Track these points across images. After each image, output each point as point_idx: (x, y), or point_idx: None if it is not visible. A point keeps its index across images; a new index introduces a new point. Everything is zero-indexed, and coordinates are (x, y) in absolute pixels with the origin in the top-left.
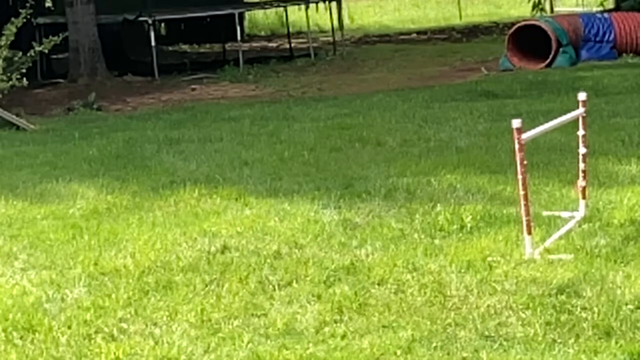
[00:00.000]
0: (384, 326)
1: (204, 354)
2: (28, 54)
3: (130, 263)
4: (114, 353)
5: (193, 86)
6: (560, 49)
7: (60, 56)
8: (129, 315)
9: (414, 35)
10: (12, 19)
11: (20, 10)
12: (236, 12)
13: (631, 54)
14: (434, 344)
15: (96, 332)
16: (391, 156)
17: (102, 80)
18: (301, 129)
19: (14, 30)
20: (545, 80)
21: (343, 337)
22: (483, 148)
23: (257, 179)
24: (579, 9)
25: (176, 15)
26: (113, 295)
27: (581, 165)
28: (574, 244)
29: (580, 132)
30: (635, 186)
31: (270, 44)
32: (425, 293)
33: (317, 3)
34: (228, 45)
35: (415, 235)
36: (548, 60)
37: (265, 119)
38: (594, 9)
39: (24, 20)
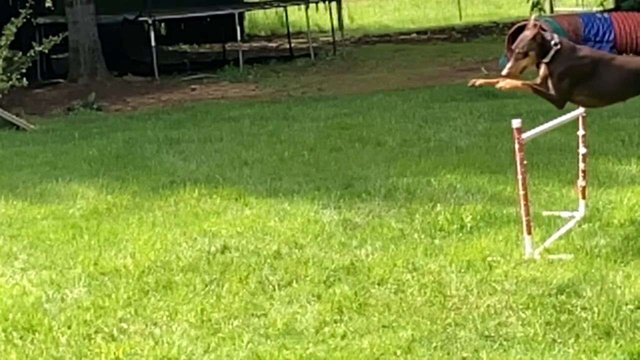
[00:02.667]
0: (384, 326)
1: (204, 354)
2: (28, 54)
3: (130, 263)
4: (114, 353)
5: (193, 86)
6: None
7: (60, 56)
8: (129, 315)
9: (414, 35)
10: (12, 19)
11: (20, 10)
12: (236, 12)
13: (631, 54)
14: (434, 344)
15: (96, 332)
16: (391, 156)
17: (102, 80)
18: (301, 129)
19: (14, 30)
20: None
21: (343, 337)
22: (483, 148)
23: (257, 179)
24: (579, 9)
25: (176, 15)
26: (113, 295)
27: (581, 165)
28: (574, 244)
29: (580, 132)
30: (635, 186)
31: (270, 44)
32: (425, 293)
33: (317, 3)
34: (228, 45)
35: (415, 235)
36: None
37: (265, 119)
38: (594, 9)
39: (24, 20)
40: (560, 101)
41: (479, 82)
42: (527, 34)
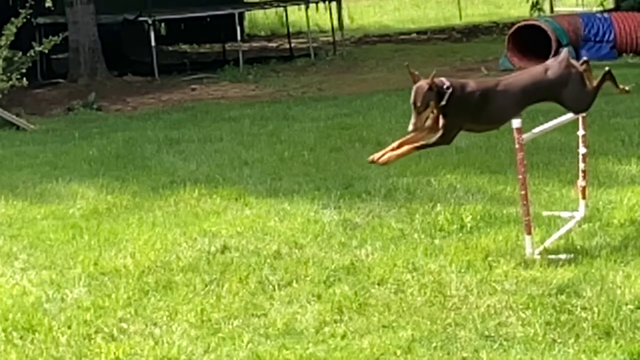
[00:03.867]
0: (384, 326)
1: (204, 354)
2: (28, 54)
3: (130, 263)
4: (114, 353)
5: (193, 86)
6: (560, 49)
7: (60, 56)
8: (129, 315)
9: (414, 35)
10: (12, 19)
11: (20, 10)
12: (236, 12)
13: (631, 54)
14: (434, 344)
15: (96, 332)
16: None
17: (102, 80)
18: (301, 129)
19: (14, 30)
20: None
21: (343, 337)
22: (483, 148)
23: (257, 179)
24: (579, 9)
25: (176, 15)
26: (113, 295)
27: (581, 165)
28: (574, 244)
29: (580, 132)
30: (635, 186)
31: (270, 44)
32: (425, 293)
33: (317, 3)
34: (228, 45)
35: (415, 235)
36: None
37: (265, 119)
38: (594, 9)
39: (24, 20)
40: (449, 140)
41: (377, 158)
42: (423, 85)
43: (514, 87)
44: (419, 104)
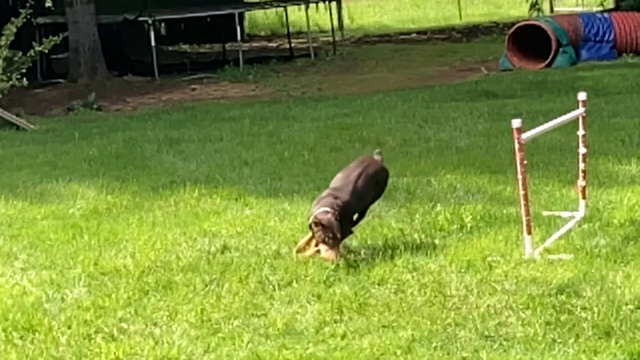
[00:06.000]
0: (384, 326)
1: (204, 354)
2: (28, 54)
3: (130, 263)
4: (114, 353)
5: (193, 86)
6: (560, 49)
7: (60, 56)
8: (129, 315)
9: (414, 35)
10: (12, 19)
11: (20, 10)
12: (236, 12)
13: (631, 54)
14: (434, 344)
15: (96, 332)
16: (391, 156)
17: (102, 80)
18: (301, 129)
19: (14, 30)
20: (545, 80)
21: (343, 337)
22: (483, 148)
23: (257, 179)
24: (579, 9)
25: (176, 15)
26: (113, 295)
27: (581, 165)
28: (574, 244)
29: (580, 132)
30: (635, 186)
31: (270, 44)
32: (425, 293)
33: (317, 3)
34: (228, 45)
35: (415, 235)
36: (548, 60)
37: (265, 119)
38: (594, 9)
39: (24, 20)
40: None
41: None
42: (332, 219)
43: (367, 182)
44: (339, 236)
